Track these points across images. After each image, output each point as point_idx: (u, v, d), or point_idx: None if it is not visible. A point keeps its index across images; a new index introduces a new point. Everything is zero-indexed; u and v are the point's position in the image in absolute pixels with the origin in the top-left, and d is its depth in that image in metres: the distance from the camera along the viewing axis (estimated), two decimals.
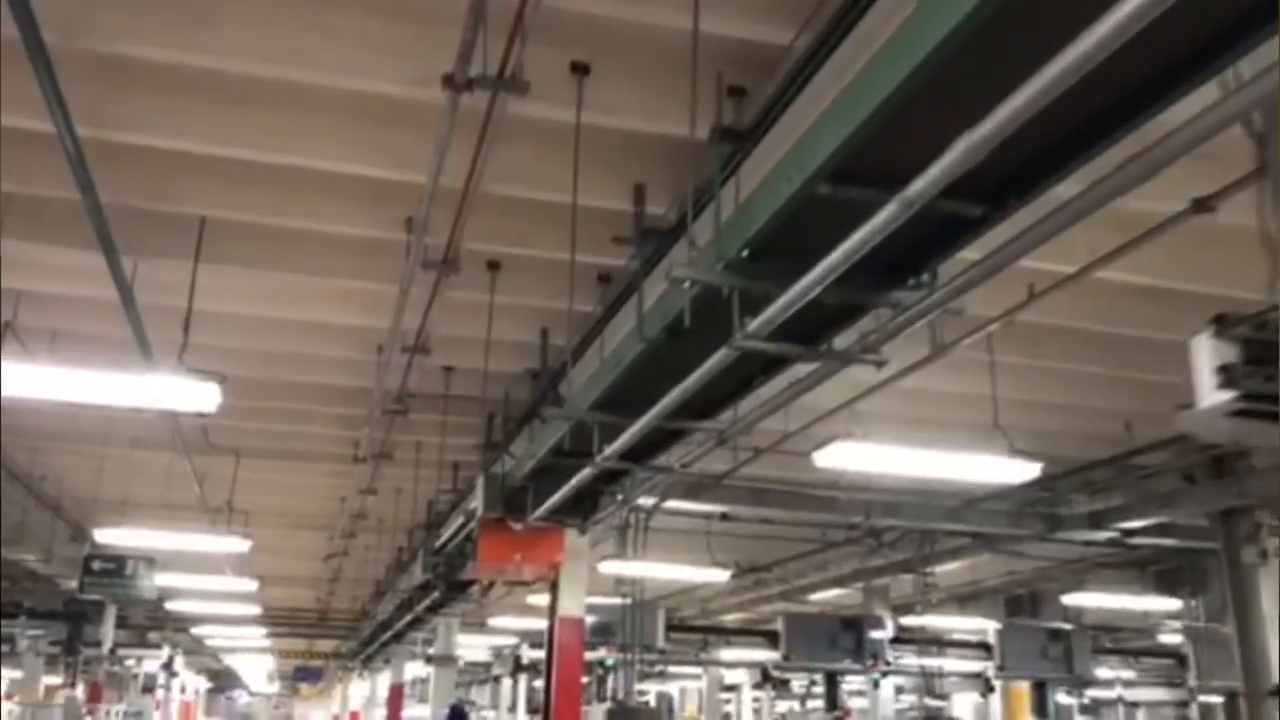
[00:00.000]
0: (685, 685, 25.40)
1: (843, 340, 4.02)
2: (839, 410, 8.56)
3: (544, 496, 5.95)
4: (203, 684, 46.60)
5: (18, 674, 19.68)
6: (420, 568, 9.03)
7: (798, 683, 21.75)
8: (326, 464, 12.10)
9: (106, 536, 10.71)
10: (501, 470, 6.49)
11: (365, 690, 31.78)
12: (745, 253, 3.44)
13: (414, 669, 29.11)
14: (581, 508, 6.63)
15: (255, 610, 18.87)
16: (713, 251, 3.60)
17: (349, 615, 25.14)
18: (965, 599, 19.89)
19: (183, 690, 40.67)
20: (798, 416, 9.38)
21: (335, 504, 13.91)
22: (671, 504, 10.28)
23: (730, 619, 22.03)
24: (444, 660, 15.56)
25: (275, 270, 6.88)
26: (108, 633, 15.84)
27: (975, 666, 17.14)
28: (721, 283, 3.42)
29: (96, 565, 11.00)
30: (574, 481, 5.23)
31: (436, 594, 9.77)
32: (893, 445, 6.65)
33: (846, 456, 6.73)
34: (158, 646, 26.17)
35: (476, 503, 6.37)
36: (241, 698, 51.91)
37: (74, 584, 17.46)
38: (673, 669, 20.90)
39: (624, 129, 5.30)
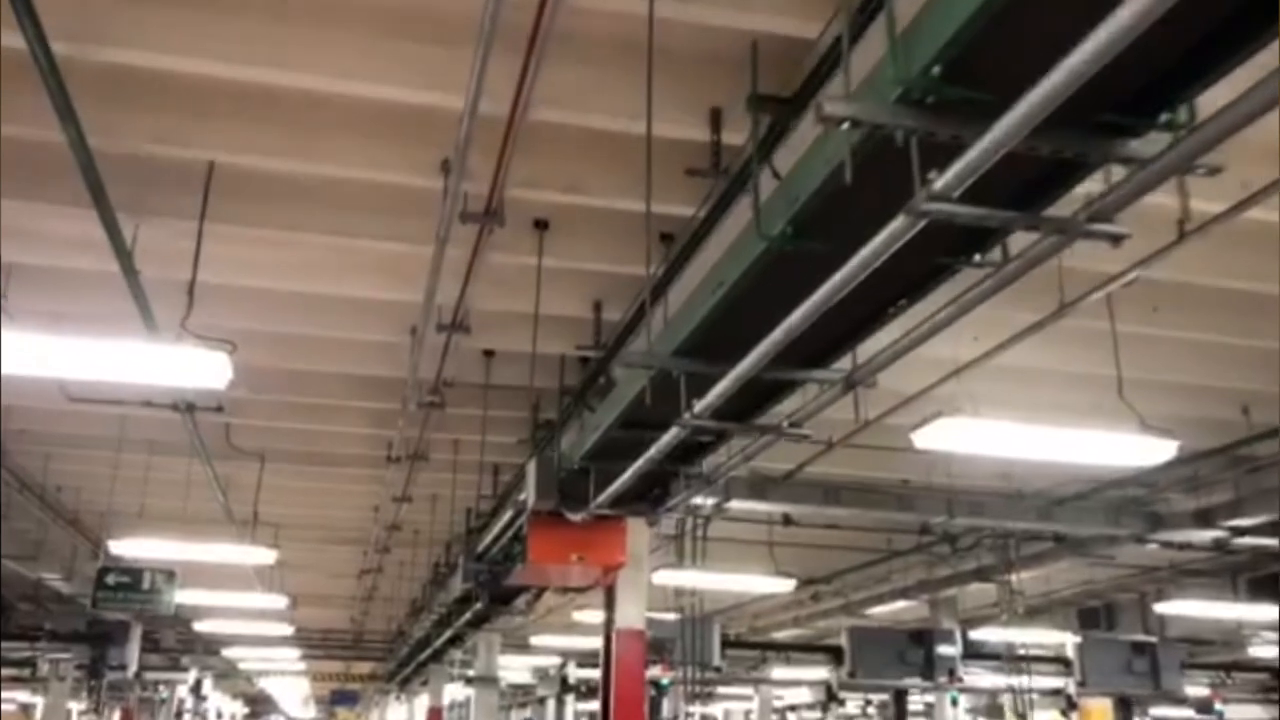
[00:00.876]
0: (729, 707, 24.23)
1: (1064, 209, 2.82)
2: (930, 390, 7.63)
3: (607, 480, 5.04)
4: (240, 709, 46.00)
5: (41, 700, 19.02)
6: (460, 577, 8.15)
7: (852, 703, 20.64)
8: (357, 468, 11.25)
9: (122, 548, 9.92)
10: (555, 453, 5.59)
11: (402, 715, 30.89)
12: (936, 69, 2.37)
13: (453, 692, 28.20)
14: (650, 496, 5.70)
15: (287, 630, 18.04)
16: (888, 74, 2.52)
17: (384, 637, 24.29)
18: (1034, 612, 18.76)
19: (219, 716, 40.09)
20: (879, 401, 8.46)
21: (368, 514, 13.07)
22: (735, 504, 9.34)
23: (780, 636, 20.99)
24: (485, 681, 14.64)
25: (292, 230, 6.03)
26: (133, 655, 15.04)
27: (1051, 683, 16.03)
28: (898, 122, 2.39)
29: (111, 579, 10.20)
30: (652, 452, 4.30)
31: (478, 605, 8.88)
32: (1008, 421, 5.68)
33: (953, 435, 5.77)
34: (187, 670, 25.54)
35: (526, 493, 5.48)
36: None
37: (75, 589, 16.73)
38: (716, 689, 19.84)
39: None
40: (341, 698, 30.42)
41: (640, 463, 4.48)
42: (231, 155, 5.23)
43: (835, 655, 14.68)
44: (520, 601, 9.41)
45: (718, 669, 13.72)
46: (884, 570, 15.51)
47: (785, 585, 11.72)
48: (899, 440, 9.77)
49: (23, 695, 29.92)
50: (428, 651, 14.68)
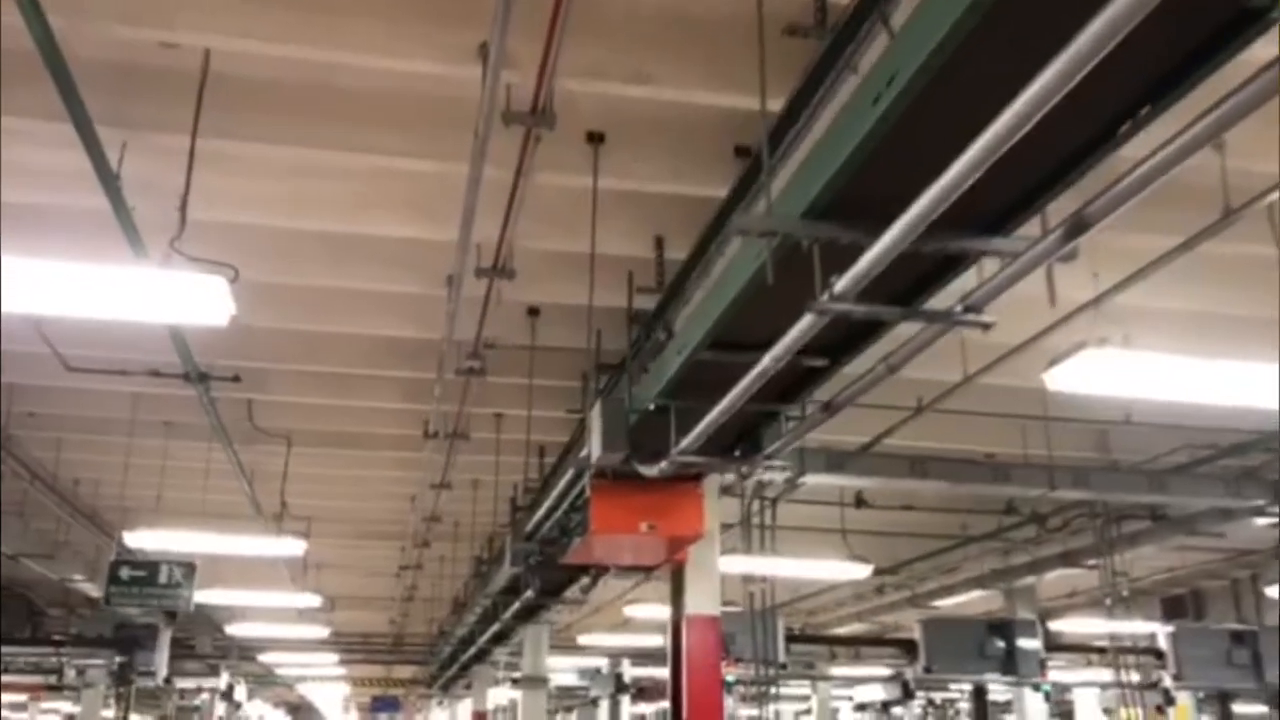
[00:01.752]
0: (780, 709, 23.08)
1: None
2: (1040, 337, 6.62)
3: (691, 421, 4.06)
4: (282, 717, 45.49)
5: (75, 709, 18.36)
6: (507, 562, 7.22)
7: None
8: (391, 450, 10.36)
9: (138, 540, 9.10)
10: (626, 393, 4.60)
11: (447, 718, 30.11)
12: None
13: (498, 696, 27.31)
14: (739, 446, 4.69)
15: (323, 632, 17.23)
16: None
17: (425, 640, 23.45)
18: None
19: None
20: (976, 356, 7.47)
21: (404, 505, 12.18)
22: (811, 479, 8.36)
23: (840, 633, 19.93)
24: (533, 682, 13.71)
25: (302, 146, 5.12)
26: (162, 660, 14.26)
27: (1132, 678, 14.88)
28: None
29: (125, 573, 9.37)
30: (766, 361, 3.30)
31: (528, 594, 7.93)
32: (1170, 354, 4.67)
33: (1099, 371, 4.77)
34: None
35: (590, 446, 4.54)
36: None
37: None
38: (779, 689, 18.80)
39: None
40: (382, 705, 29.61)
41: (748, 380, 3.50)
42: (227, 39, 4.33)
43: (908, 649, 13.64)
44: (575, 589, 8.46)
45: (783, 666, 12.73)
46: (956, 558, 14.43)
47: (861, 571, 10.70)
48: (993, 401, 8.81)
49: (65, 706, 29.53)
50: (471, 651, 13.74)
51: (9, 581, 17.10)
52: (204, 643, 22.04)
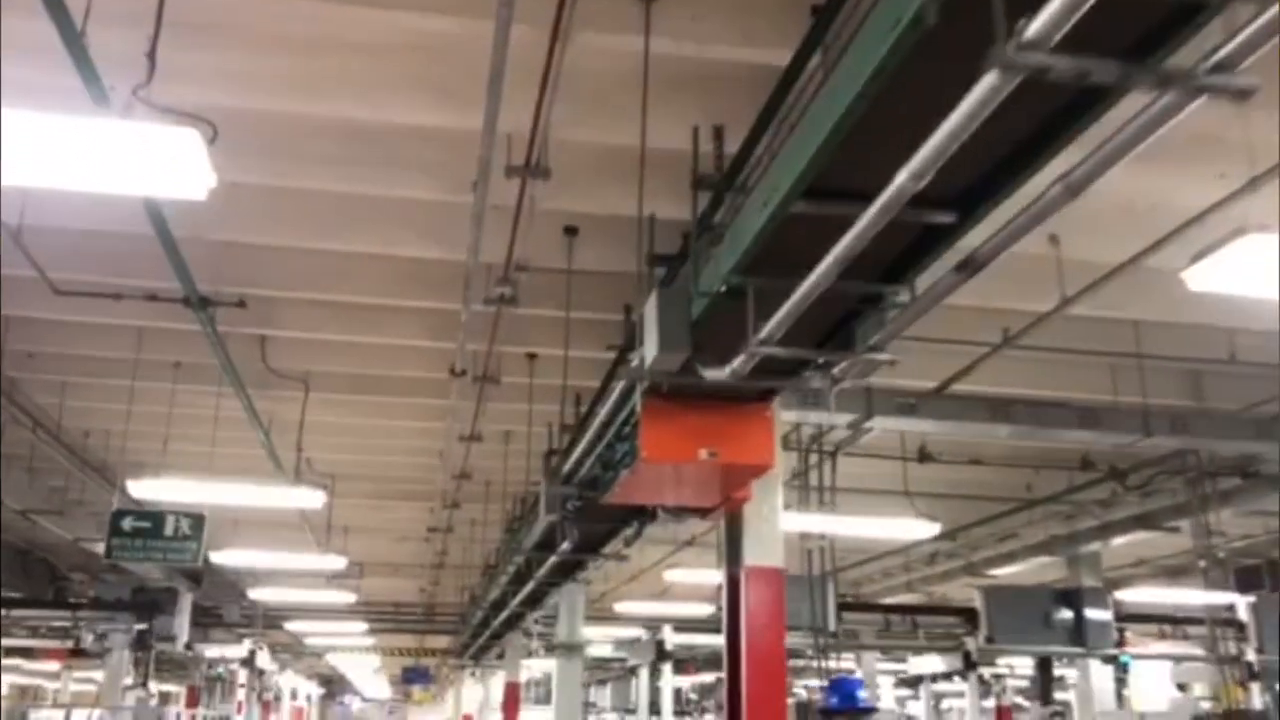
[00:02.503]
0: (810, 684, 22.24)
1: None
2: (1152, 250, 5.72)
3: (775, 303, 3.20)
4: (315, 689, 45.35)
5: (98, 676, 17.90)
6: (542, 508, 6.41)
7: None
8: (417, 397, 9.61)
9: (143, 490, 8.40)
10: (693, 271, 3.69)
11: (479, 694, 29.57)
12: None
13: (533, 668, 26.64)
14: (821, 353, 3.79)
15: (350, 597, 16.59)
16: None
17: (457, 610, 22.80)
18: (1176, 572, 16.65)
19: (294, 696, 39.32)
20: (1071, 279, 6.58)
21: (432, 460, 11.43)
22: (880, 423, 7.51)
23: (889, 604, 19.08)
24: (569, 649, 12.98)
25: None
26: (183, 625, 13.69)
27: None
28: None
29: (127, 524, 8.67)
30: (902, 179, 2.45)
31: (565, 546, 7.11)
32: None
33: (1261, 264, 3.89)
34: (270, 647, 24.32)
35: (643, 349, 3.70)
36: (353, 703, 50.46)
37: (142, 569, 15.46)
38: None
39: None
40: (414, 675, 29.11)
41: (861, 226, 2.64)
42: None
43: (968, 618, 12.80)
44: (616, 542, 7.64)
45: (833, 635, 11.93)
46: (1019, 521, 13.52)
47: (928, 529, 9.85)
48: (1082, 335, 7.90)
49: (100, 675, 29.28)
50: (503, 616, 12.99)
51: (29, 544, 16.67)
52: (231, 611, 21.60)
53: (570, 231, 6.74)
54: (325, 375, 9.08)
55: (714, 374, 3.69)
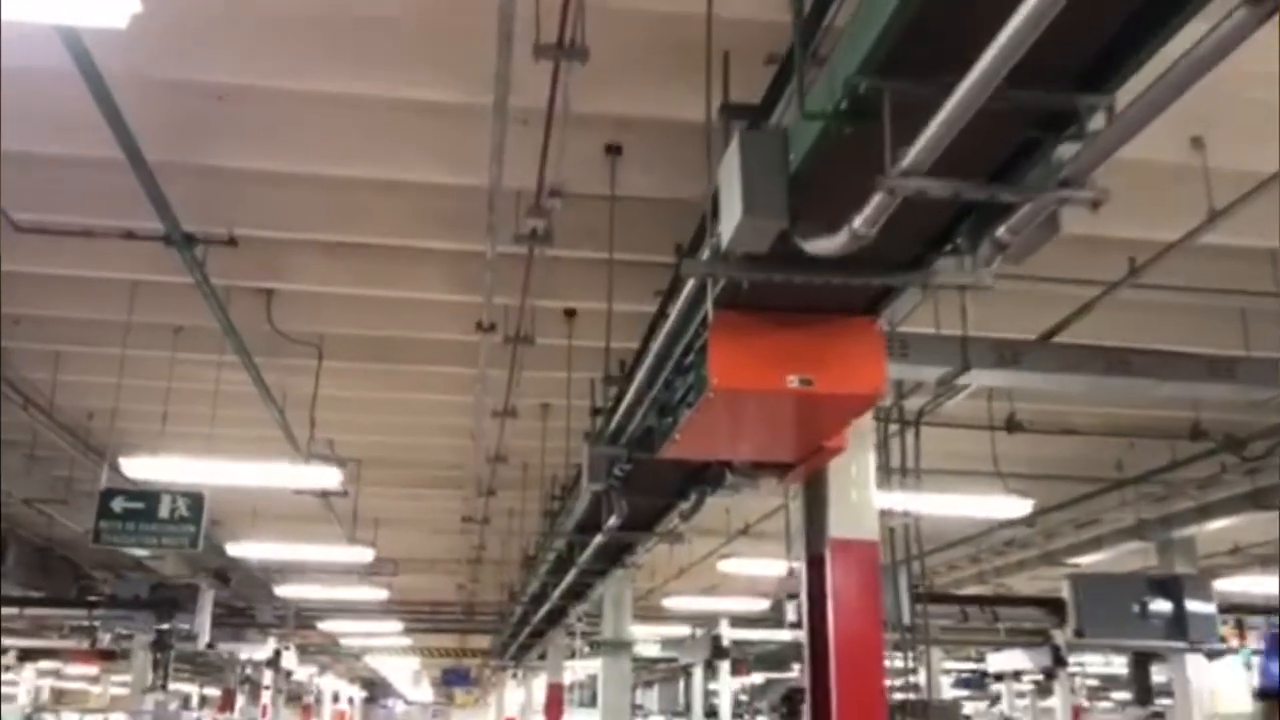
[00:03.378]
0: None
1: None
2: None
3: (914, 125, 2.16)
4: (357, 692, 44.77)
5: (126, 678, 17.17)
6: (585, 478, 5.38)
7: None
8: (443, 365, 8.64)
9: (138, 468, 7.48)
10: (794, 99, 2.65)
11: (521, 697, 28.63)
12: None
13: (577, 669, 25.58)
14: (999, 189, 2.62)
15: (382, 594, 15.69)
16: None
17: (497, 608, 21.86)
18: (1267, 560, 15.35)
19: (335, 699, 38.71)
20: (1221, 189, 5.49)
21: (464, 441, 10.43)
22: (977, 376, 6.43)
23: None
24: (615, 647, 11.94)
25: None
26: (204, 624, 12.84)
27: None
28: None
29: (118, 505, 7.74)
30: None
31: (612, 522, 6.04)
32: None
33: None
34: (302, 648, 23.55)
35: (722, 223, 2.68)
36: (396, 706, 49.87)
37: (157, 562, 14.65)
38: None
39: None
40: (454, 677, 28.25)
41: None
42: None
43: (1054, 610, 11.63)
44: (672, 517, 6.56)
45: (909, 629, 10.81)
46: (1104, 505, 12.31)
47: (1020, 507, 8.72)
48: (1209, 273, 6.79)
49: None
50: (543, 610, 11.95)
51: (48, 541, 15.97)
52: (264, 611, 20.85)
53: (613, 150, 5.72)
54: (340, 340, 8.12)
55: (824, 243, 2.65)
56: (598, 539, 6.73)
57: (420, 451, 11.55)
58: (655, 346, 3.88)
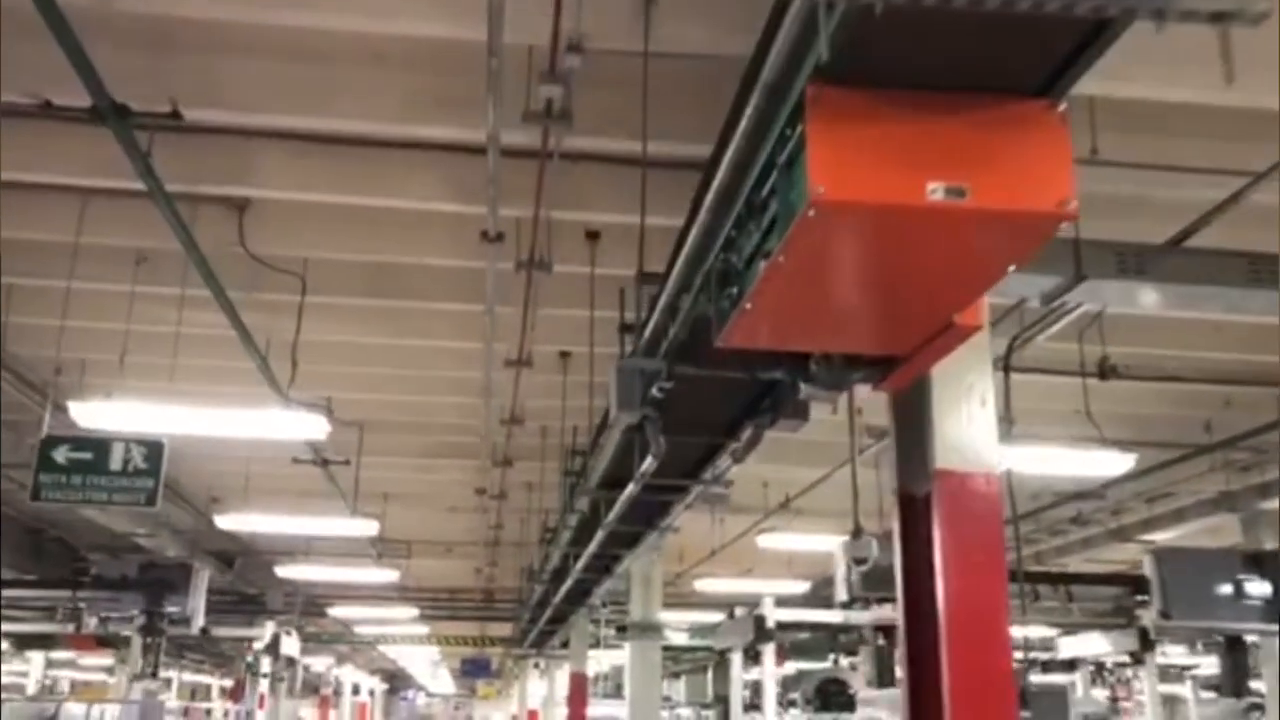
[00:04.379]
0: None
1: None
2: None
3: None
4: (378, 685, 43.92)
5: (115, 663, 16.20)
6: (613, 405, 4.18)
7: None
8: (446, 301, 7.51)
9: (90, 414, 6.36)
10: None
11: (544, 689, 27.55)
12: None
13: (600, 662, 24.46)
14: None
15: (392, 575, 14.60)
16: None
17: (517, 594, 20.75)
18: None
19: (355, 691, 37.80)
20: None
21: (475, 400, 9.28)
22: (1096, 291, 5.26)
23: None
24: (644, 630, 10.79)
25: None
26: (198, 606, 11.78)
27: None
28: None
29: (61, 455, 6.59)
30: None
31: (648, 465, 4.80)
32: None
33: None
34: (315, 636, 22.54)
35: None
36: (417, 699, 48.98)
37: (155, 543, 13.66)
38: None
39: None
40: (473, 667, 27.21)
41: None
42: None
43: (1135, 589, 10.41)
44: (723, 458, 5.32)
45: None
46: (1198, 466, 11.03)
47: (1121, 463, 7.51)
48: None
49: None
50: (564, 588, 10.74)
51: (40, 521, 15.03)
52: (274, 597, 19.84)
53: None
54: (325, 267, 6.99)
55: None
56: (629, 490, 5.53)
57: (426, 412, 10.43)
58: (718, 179, 2.74)
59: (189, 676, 29.27)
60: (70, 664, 26.84)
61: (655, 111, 4.98)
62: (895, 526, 4.01)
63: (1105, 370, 7.68)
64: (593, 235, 6.73)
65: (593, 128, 5.25)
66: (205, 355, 7.94)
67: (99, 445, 6.64)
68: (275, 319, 7.41)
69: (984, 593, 3.60)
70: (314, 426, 6.70)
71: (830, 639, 15.92)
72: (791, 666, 22.62)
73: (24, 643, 17.84)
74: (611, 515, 6.48)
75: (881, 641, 9.71)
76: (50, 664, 23.67)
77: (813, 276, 2.56)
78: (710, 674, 24.37)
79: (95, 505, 6.74)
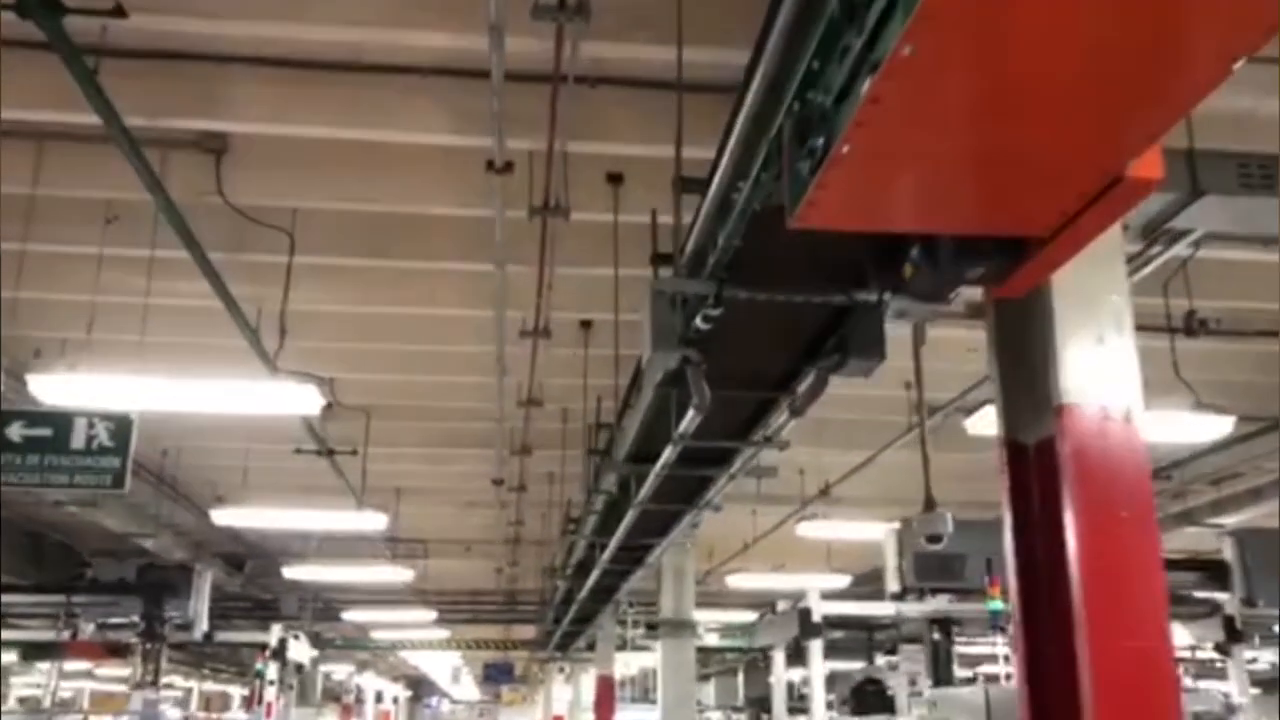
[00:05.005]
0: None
1: None
2: None
3: None
4: (401, 691, 43.26)
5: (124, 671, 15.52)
6: (648, 346, 3.38)
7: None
8: (452, 260, 6.72)
9: (49, 388, 5.60)
10: None
11: (569, 694, 26.74)
12: None
13: (628, 666, 23.60)
14: None
15: (407, 575, 13.83)
16: None
17: (539, 595, 19.96)
18: None
19: (378, 699, 37.13)
20: None
21: (488, 381, 8.49)
22: (1214, 211, 4.44)
23: None
24: (676, 628, 9.94)
25: None
26: (201, 610, 11.08)
27: None
28: None
29: (16, 432, 5.81)
30: None
31: (690, 418, 3.91)
32: None
33: None
34: (332, 643, 21.89)
35: None
36: (441, 705, 48.29)
37: (158, 545, 12.95)
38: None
39: None
40: (495, 672, 26.44)
41: None
42: None
43: (1214, 575, 9.54)
44: (781, 411, 4.46)
45: None
46: (1254, 451, 10.17)
47: (1219, 425, 6.66)
48: None
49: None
50: (590, 582, 9.85)
51: (39, 524, 14.43)
52: (288, 602, 19.19)
53: None
54: (316, 221, 6.23)
55: None
56: (665, 455, 4.68)
57: (437, 395, 9.65)
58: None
59: (210, 686, 28.69)
60: (87, 674, 26.27)
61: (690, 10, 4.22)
62: (1003, 484, 3.21)
63: (1192, 326, 6.83)
64: (615, 178, 5.94)
65: (614, 30, 4.49)
66: (182, 330, 7.18)
67: (59, 421, 5.89)
68: (263, 286, 6.65)
69: (1133, 561, 2.79)
70: (306, 400, 5.93)
71: (865, 637, 15.13)
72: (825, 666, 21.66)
73: (30, 653, 17.23)
74: (644, 491, 5.66)
75: (938, 636, 8.87)
76: (65, 675, 23.09)
77: (942, 89, 1.77)
78: (741, 676, 23.52)
79: (56, 488, 5.99)
